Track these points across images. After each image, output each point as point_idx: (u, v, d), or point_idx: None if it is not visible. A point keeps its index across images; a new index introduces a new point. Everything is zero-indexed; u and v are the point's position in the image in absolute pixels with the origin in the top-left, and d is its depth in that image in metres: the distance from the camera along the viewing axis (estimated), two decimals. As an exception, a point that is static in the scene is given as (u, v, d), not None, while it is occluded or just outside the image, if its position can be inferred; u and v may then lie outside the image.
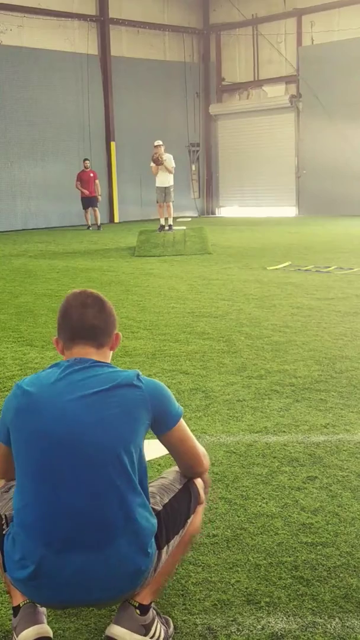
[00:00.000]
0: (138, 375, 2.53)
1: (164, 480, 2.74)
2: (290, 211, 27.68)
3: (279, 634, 2.65)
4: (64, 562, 2.39)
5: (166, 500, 2.65)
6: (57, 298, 9.89)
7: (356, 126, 24.97)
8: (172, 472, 2.80)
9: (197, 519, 2.75)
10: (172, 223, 19.64)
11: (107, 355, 2.66)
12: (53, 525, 2.39)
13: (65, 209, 24.82)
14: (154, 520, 2.51)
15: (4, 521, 2.60)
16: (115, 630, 2.53)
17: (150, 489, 2.62)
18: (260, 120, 27.97)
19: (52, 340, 2.71)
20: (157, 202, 19.95)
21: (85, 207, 23.02)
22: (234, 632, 2.67)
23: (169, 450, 2.67)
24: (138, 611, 2.56)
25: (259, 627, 2.69)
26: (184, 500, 2.69)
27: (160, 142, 19.37)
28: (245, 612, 2.78)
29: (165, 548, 2.58)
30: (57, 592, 2.42)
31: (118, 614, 2.57)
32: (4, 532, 2.55)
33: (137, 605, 2.56)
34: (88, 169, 22.89)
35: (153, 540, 2.49)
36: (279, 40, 27.19)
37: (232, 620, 2.73)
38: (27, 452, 2.46)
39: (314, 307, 8.78)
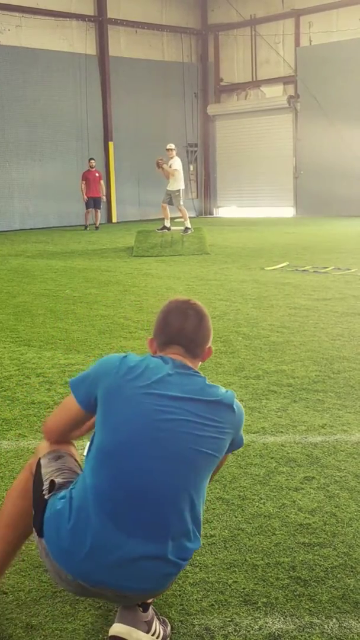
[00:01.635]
0: (234, 397, 2.61)
1: None
2: (288, 211, 27.70)
3: (276, 635, 2.65)
4: (121, 542, 2.39)
5: None
6: (55, 298, 9.89)
7: (354, 127, 25.00)
8: None
9: None
10: (168, 225, 19.36)
11: (197, 366, 2.72)
12: (127, 504, 2.41)
13: (63, 209, 24.81)
14: (199, 534, 2.54)
15: (52, 487, 2.58)
16: (121, 628, 2.55)
17: None
18: (258, 121, 27.98)
19: (147, 340, 2.77)
20: (162, 201, 19.73)
21: (88, 208, 22.98)
22: (232, 632, 2.67)
23: None
24: (141, 609, 2.59)
25: (256, 627, 2.69)
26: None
27: (172, 146, 19.08)
28: (243, 612, 2.78)
29: None
30: (101, 571, 2.40)
31: (121, 613, 2.59)
32: (46, 497, 2.55)
33: (139, 603, 2.58)
34: (94, 169, 22.85)
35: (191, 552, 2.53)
36: (277, 41, 27.21)
37: (229, 621, 2.73)
38: (121, 425, 2.48)
39: (311, 307, 8.78)
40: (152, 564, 2.41)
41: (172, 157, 18.82)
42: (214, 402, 2.53)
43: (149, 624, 2.59)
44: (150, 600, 2.61)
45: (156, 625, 2.60)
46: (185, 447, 2.45)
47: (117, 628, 2.56)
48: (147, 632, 2.57)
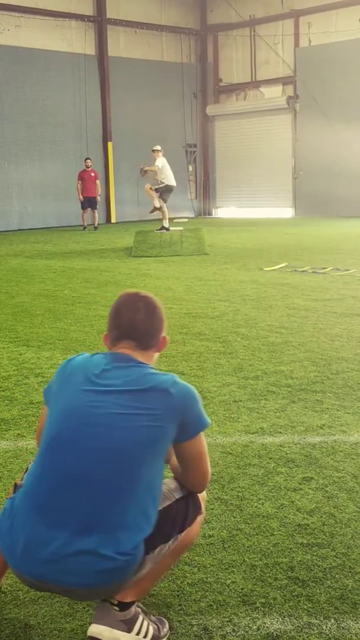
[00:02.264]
0: (174, 381, 2.58)
1: (164, 487, 2.71)
2: (287, 212, 27.70)
3: (275, 635, 2.65)
4: (50, 537, 2.41)
5: (161, 508, 2.62)
6: (53, 298, 9.89)
7: (353, 127, 25.01)
8: (172, 480, 2.79)
9: (194, 528, 2.74)
10: (165, 225, 19.15)
11: (152, 357, 2.75)
12: (51, 499, 2.45)
13: (62, 209, 24.81)
14: (148, 526, 2.50)
15: (15, 489, 2.71)
16: (94, 628, 2.54)
17: None
18: (257, 121, 27.99)
19: (102, 336, 2.81)
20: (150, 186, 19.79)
21: (84, 208, 22.99)
22: (230, 632, 2.67)
23: (182, 460, 2.68)
24: (116, 608, 2.56)
25: (255, 627, 2.69)
26: (179, 511, 2.67)
27: (158, 148, 19.33)
28: (241, 612, 2.78)
29: (151, 554, 2.54)
30: (37, 567, 2.42)
31: (96, 614, 2.59)
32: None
33: (115, 602, 2.56)
34: (89, 169, 22.85)
35: (140, 544, 2.47)
36: (276, 42, 27.22)
37: (227, 621, 2.73)
38: (53, 422, 2.56)
39: (310, 308, 8.79)
40: (84, 559, 2.39)
41: (157, 158, 19.07)
42: (146, 390, 2.53)
43: (129, 623, 2.56)
44: (129, 599, 2.58)
45: (141, 625, 2.58)
46: (116, 440, 2.46)
47: (91, 628, 2.55)
48: (128, 631, 2.54)
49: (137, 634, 2.56)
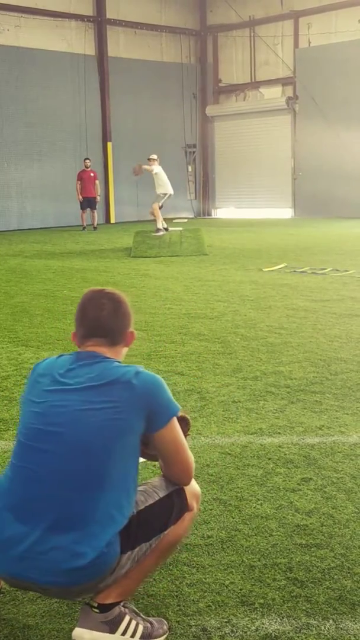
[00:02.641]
0: (137, 372, 2.57)
1: (147, 486, 2.70)
2: (287, 213, 27.72)
3: (273, 636, 2.65)
4: (24, 534, 2.42)
5: (142, 507, 2.61)
6: (52, 298, 9.89)
7: (352, 128, 25.02)
8: (158, 478, 2.77)
9: (181, 526, 2.69)
10: (159, 226, 18.88)
11: (120, 352, 2.77)
12: (23, 497, 2.47)
13: (61, 209, 24.82)
14: (121, 520, 2.47)
15: None
16: (75, 632, 2.55)
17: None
18: (256, 122, 28.00)
19: (71, 333, 2.81)
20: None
21: (83, 208, 22.99)
22: (228, 633, 2.67)
23: (159, 453, 2.65)
24: (97, 610, 2.56)
25: (253, 628, 2.69)
26: (162, 509, 2.64)
27: (154, 157, 19.30)
28: (240, 613, 2.78)
29: (129, 553, 2.53)
30: (13, 564, 2.43)
31: (79, 617, 2.59)
32: None
33: (95, 605, 2.57)
34: (89, 169, 22.86)
35: (114, 541, 2.44)
36: (276, 42, 27.24)
37: (226, 622, 2.73)
38: (22, 425, 2.61)
39: (309, 308, 8.79)
40: (56, 556, 2.39)
41: (152, 166, 18.99)
42: (108, 383, 2.53)
43: (112, 624, 2.56)
44: (113, 602, 2.57)
45: (127, 625, 2.57)
46: (81, 437, 2.46)
47: (74, 632, 2.56)
48: (111, 632, 2.54)
49: (123, 634, 2.55)
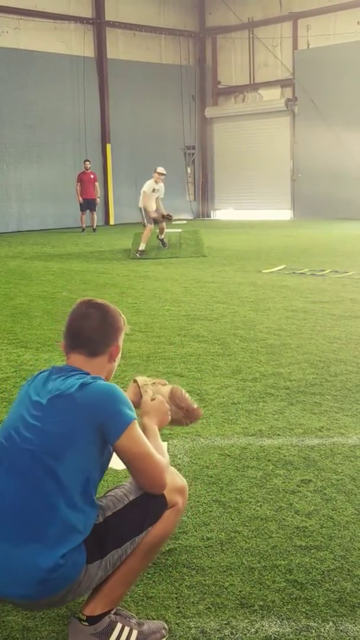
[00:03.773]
0: (83, 384, 2.52)
1: (118, 490, 2.65)
2: (286, 214, 27.73)
3: (273, 638, 2.64)
4: None
5: (109, 513, 2.55)
6: (52, 300, 9.88)
7: (351, 130, 25.03)
8: (129, 480, 2.70)
9: (162, 526, 2.60)
10: (141, 248, 15.92)
11: (102, 365, 2.70)
12: None
13: (60, 211, 24.82)
14: (78, 534, 2.42)
15: None
16: None
17: (102, 500, 2.59)
18: (255, 124, 28.02)
19: (60, 344, 2.78)
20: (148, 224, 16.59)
21: (83, 210, 22.99)
22: (228, 635, 2.66)
23: (123, 463, 2.57)
24: (86, 623, 2.55)
25: (253, 630, 2.69)
26: (134, 513, 2.57)
27: (165, 172, 16.83)
28: (239, 615, 2.78)
29: (99, 562, 2.48)
30: None
31: (69, 630, 2.58)
32: None
33: (84, 618, 2.56)
34: (89, 170, 22.87)
35: (74, 552, 2.39)
36: (275, 44, 27.26)
37: (225, 624, 2.73)
38: None
39: (308, 310, 8.79)
40: (17, 568, 2.35)
41: (160, 182, 16.61)
42: (56, 397, 2.52)
43: (103, 635, 2.54)
44: (102, 612, 2.55)
45: (119, 634, 2.56)
46: (32, 451, 2.44)
47: None
48: None
49: None
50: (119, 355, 2.78)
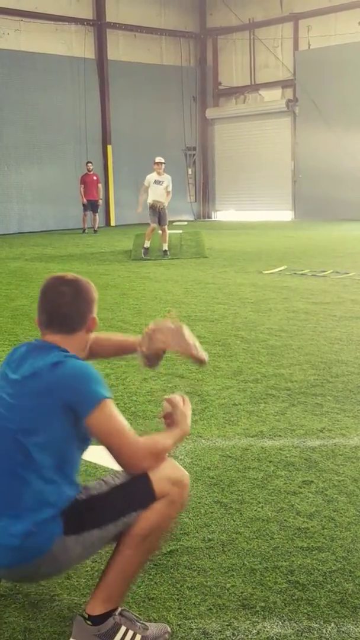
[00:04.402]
0: (54, 363, 2.54)
1: (110, 476, 2.65)
2: (287, 215, 27.72)
3: (275, 639, 2.64)
4: None
5: (94, 493, 2.57)
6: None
7: (352, 131, 25.03)
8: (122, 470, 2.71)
9: (151, 517, 2.55)
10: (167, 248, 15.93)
11: (80, 340, 2.71)
12: None
13: (61, 212, 24.82)
14: (51, 507, 2.45)
15: None
16: None
17: (91, 483, 2.62)
18: (256, 125, 28.02)
19: (35, 319, 2.77)
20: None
21: (85, 211, 22.98)
22: (229, 636, 2.66)
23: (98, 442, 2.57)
24: (89, 622, 2.56)
25: (255, 631, 2.68)
26: (117, 496, 2.56)
27: (163, 160, 16.49)
28: (241, 616, 2.78)
29: (76, 537, 2.49)
30: None
31: (73, 628, 2.59)
32: None
33: (87, 617, 2.57)
34: (91, 172, 22.88)
35: (47, 523, 2.43)
36: (276, 45, 27.25)
37: (227, 625, 2.73)
38: None
39: (309, 311, 8.79)
40: None
41: (162, 172, 16.27)
42: (30, 375, 2.54)
43: (106, 637, 2.54)
44: (104, 611, 2.55)
45: (123, 636, 2.56)
46: (7, 426, 2.49)
47: None
48: None
49: None
50: (97, 326, 2.78)
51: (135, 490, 2.57)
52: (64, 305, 2.66)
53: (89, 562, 3.15)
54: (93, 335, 2.86)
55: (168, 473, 2.60)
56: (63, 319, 2.67)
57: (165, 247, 15.77)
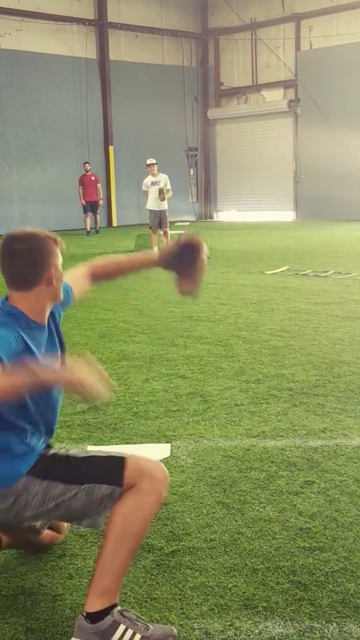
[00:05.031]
0: None
1: (95, 450, 2.81)
2: (288, 215, 27.71)
3: (277, 639, 2.64)
4: None
5: (72, 454, 2.75)
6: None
7: (354, 131, 25.02)
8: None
9: (121, 509, 2.60)
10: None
11: (39, 294, 2.69)
12: None
13: (63, 213, 24.81)
14: (10, 452, 2.62)
15: None
16: None
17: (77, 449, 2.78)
18: (258, 125, 28.01)
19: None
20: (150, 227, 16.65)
21: (85, 212, 22.98)
22: (231, 636, 2.66)
23: None
24: (88, 620, 2.58)
25: (257, 631, 2.69)
26: (85, 463, 2.68)
27: (154, 161, 16.45)
28: (243, 616, 2.78)
29: (40, 481, 2.62)
30: None
31: (75, 628, 2.62)
32: None
33: (85, 614, 2.59)
34: (89, 172, 22.86)
35: (14, 462, 2.61)
36: (278, 45, 27.25)
37: (229, 625, 2.73)
38: None
39: (311, 311, 8.79)
40: None
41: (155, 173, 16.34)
42: None
43: (104, 635, 2.56)
44: (97, 609, 2.57)
45: (122, 635, 2.57)
46: None
47: None
48: None
49: None
50: (60, 275, 2.76)
51: (107, 466, 2.67)
52: (18, 264, 2.67)
53: (91, 562, 3.16)
54: (85, 266, 3.16)
55: (142, 465, 2.68)
56: (19, 277, 2.67)
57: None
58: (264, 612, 2.79)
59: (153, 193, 16.20)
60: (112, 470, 2.65)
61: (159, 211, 16.21)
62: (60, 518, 2.85)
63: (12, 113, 23.72)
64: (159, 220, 16.16)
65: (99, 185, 23.01)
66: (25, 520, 2.73)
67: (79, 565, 3.16)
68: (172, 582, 3.02)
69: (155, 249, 15.75)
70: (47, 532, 3.16)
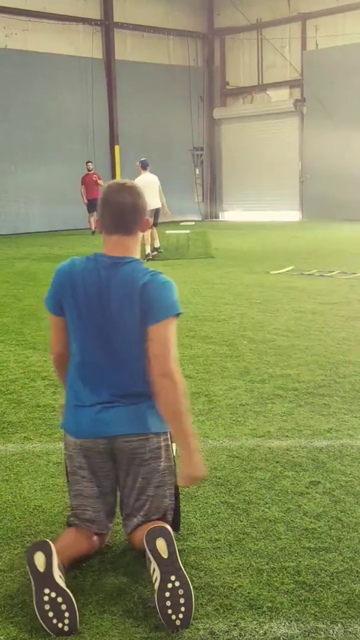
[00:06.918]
0: (152, 274, 3.13)
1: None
2: (294, 215, 27.68)
3: (282, 639, 2.64)
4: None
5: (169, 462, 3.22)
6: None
7: (360, 130, 24.98)
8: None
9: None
10: (156, 246, 15.92)
11: (138, 238, 3.18)
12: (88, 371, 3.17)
13: (69, 213, 24.81)
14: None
15: None
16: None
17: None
18: (264, 125, 27.98)
19: (96, 222, 3.27)
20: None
21: (90, 211, 22.99)
22: (236, 636, 2.66)
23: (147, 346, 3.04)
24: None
25: (262, 632, 2.68)
26: (167, 483, 3.19)
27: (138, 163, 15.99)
28: (248, 617, 2.77)
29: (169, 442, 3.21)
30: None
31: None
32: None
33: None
34: (91, 172, 22.87)
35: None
36: (283, 45, 27.22)
37: (234, 625, 2.72)
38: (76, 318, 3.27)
39: (317, 311, 8.78)
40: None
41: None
42: (133, 289, 3.12)
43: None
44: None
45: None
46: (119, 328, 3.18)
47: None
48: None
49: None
50: (149, 225, 3.27)
51: (173, 495, 3.25)
52: (127, 211, 3.08)
53: (95, 561, 3.16)
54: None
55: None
56: (126, 222, 3.09)
57: (149, 249, 15.29)
58: (269, 613, 2.79)
59: (148, 194, 15.82)
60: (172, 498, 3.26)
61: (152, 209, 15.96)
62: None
63: (18, 113, 23.74)
64: (154, 217, 15.99)
65: (100, 181, 22.92)
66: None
67: (84, 565, 3.16)
68: (177, 582, 3.01)
69: (157, 242, 15.85)
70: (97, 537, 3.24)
